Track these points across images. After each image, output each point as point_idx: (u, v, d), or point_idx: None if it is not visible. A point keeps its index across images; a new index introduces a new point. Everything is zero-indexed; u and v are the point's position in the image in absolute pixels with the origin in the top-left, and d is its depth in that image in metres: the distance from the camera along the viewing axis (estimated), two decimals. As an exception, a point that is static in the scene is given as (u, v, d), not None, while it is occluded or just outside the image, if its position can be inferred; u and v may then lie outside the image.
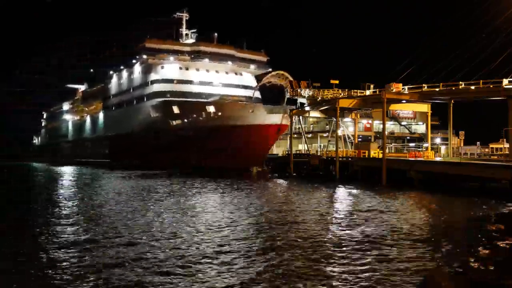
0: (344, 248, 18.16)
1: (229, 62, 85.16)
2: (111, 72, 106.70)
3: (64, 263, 16.15)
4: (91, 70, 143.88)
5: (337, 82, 62.00)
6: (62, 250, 18.19)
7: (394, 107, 58.73)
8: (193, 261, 16.26)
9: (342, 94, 58.78)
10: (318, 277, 14.38)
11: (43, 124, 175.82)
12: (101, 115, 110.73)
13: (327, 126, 69.18)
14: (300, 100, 65.89)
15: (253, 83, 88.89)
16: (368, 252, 17.44)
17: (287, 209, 29.58)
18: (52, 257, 17.12)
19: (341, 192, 40.33)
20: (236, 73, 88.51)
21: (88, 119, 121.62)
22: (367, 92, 55.51)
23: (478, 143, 56.05)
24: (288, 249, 17.96)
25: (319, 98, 61.11)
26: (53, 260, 16.68)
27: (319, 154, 63.41)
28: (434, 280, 12.31)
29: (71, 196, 39.46)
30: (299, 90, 64.43)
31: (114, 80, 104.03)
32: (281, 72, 70.79)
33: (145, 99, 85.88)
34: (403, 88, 50.67)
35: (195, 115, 71.45)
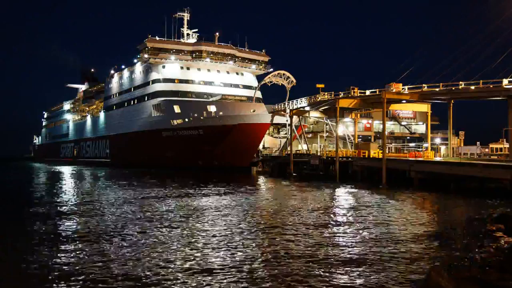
0: (344, 248, 18.30)
1: (230, 62, 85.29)
2: (112, 72, 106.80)
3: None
4: (92, 70, 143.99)
5: (322, 86, 62.60)
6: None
7: (394, 107, 58.83)
8: (196, 265, 16.42)
9: (342, 94, 58.88)
10: (318, 277, 14.52)
11: (43, 124, 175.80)
12: (102, 115, 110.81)
13: (327, 126, 69.44)
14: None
15: (254, 82, 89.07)
16: (369, 252, 17.58)
17: (288, 211, 29.73)
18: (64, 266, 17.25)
19: (341, 192, 40.44)
20: (237, 73, 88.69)
21: (89, 119, 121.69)
22: (367, 92, 55.66)
23: (478, 143, 56.09)
24: (289, 251, 18.10)
25: (319, 98, 61.29)
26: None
27: (319, 154, 63.54)
28: (434, 280, 12.42)
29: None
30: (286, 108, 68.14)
31: (115, 79, 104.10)
32: (282, 71, 71.15)
33: (146, 99, 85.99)
34: (403, 88, 50.75)
35: (196, 115, 71.59)
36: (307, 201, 33.63)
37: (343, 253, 17.54)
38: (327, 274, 14.82)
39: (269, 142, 79.82)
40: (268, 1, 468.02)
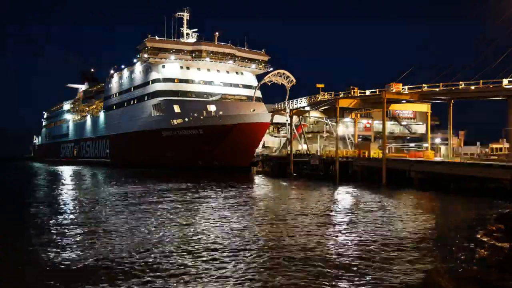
0: (344, 249, 18.29)
1: (230, 62, 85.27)
2: (112, 72, 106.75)
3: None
4: (92, 70, 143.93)
5: (322, 86, 62.59)
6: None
7: (394, 107, 58.78)
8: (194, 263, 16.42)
9: (342, 94, 58.85)
10: (317, 277, 14.51)
11: (43, 124, 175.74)
12: (102, 115, 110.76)
13: (327, 126, 69.37)
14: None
15: (254, 82, 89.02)
16: (369, 252, 17.57)
17: (287, 211, 29.73)
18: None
19: (341, 193, 40.41)
20: (237, 72, 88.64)
21: (88, 119, 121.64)
22: (367, 92, 55.65)
23: (478, 143, 56.00)
24: (288, 251, 18.10)
25: (319, 98, 61.28)
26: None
27: (319, 154, 63.53)
28: (434, 280, 12.43)
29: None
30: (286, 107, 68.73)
31: (115, 79, 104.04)
32: (282, 71, 71.14)
33: (146, 98, 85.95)
34: (403, 88, 50.72)
35: (196, 114, 71.58)
36: (306, 201, 33.62)
37: (342, 253, 17.53)
38: (326, 274, 14.81)
39: (269, 142, 79.80)
40: (268, 1, 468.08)
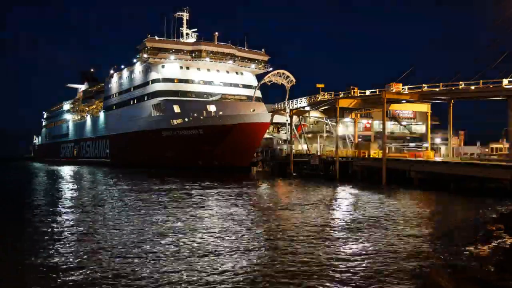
0: (344, 249, 18.29)
1: (230, 61, 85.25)
2: (111, 72, 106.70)
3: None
4: (92, 70, 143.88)
5: (322, 86, 62.65)
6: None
7: (394, 107, 58.82)
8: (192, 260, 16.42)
9: (342, 94, 58.85)
10: (317, 276, 14.51)
11: (43, 124, 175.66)
12: (101, 115, 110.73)
13: (327, 126, 69.39)
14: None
15: (254, 82, 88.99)
16: (368, 252, 17.57)
17: (287, 211, 29.73)
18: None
19: (341, 192, 40.41)
20: (236, 72, 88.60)
21: (88, 119, 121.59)
22: (367, 92, 55.69)
23: (478, 143, 56.06)
24: (288, 251, 18.10)
25: (319, 98, 61.28)
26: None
27: (319, 154, 63.56)
28: (434, 280, 12.43)
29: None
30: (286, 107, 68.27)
31: (115, 79, 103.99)
32: (282, 71, 71.13)
33: (145, 99, 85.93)
34: (403, 88, 50.74)
35: (196, 114, 71.57)
36: (306, 201, 33.61)
37: (341, 253, 17.53)
38: (324, 273, 14.81)
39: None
40: (268, 1, 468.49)
